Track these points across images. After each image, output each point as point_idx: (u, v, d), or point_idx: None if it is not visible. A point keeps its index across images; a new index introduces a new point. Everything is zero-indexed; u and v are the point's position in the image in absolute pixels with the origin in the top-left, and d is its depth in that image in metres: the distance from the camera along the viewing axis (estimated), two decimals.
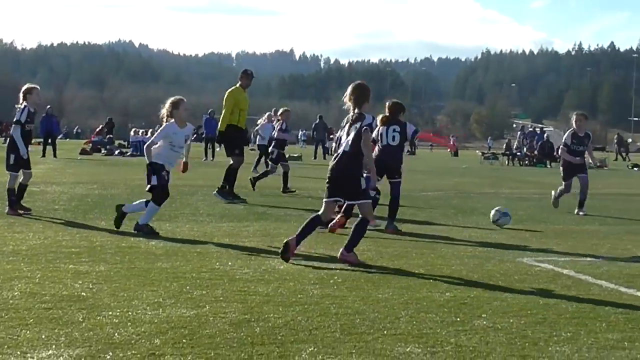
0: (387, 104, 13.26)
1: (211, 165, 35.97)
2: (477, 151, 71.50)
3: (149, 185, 11.73)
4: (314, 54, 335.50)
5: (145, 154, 11.78)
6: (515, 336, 5.98)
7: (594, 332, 6.15)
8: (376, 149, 12.59)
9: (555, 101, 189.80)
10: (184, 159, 12.19)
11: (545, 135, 54.45)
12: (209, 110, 45.71)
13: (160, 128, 12.14)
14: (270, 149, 21.53)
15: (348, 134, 9.49)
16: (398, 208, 12.86)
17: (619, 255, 10.61)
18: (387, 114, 13.06)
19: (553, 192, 17.43)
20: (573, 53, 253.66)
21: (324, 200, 9.57)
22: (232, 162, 17.74)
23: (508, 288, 7.94)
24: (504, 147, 58.68)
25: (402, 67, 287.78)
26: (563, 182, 17.12)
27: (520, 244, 11.42)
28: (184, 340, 5.67)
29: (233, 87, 18.12)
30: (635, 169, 49.04)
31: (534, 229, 13.44)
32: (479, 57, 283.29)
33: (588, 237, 12.42)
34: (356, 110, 9.54)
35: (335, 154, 9.61)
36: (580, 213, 16.41)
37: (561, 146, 17.39)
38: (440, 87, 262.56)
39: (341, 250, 9.39)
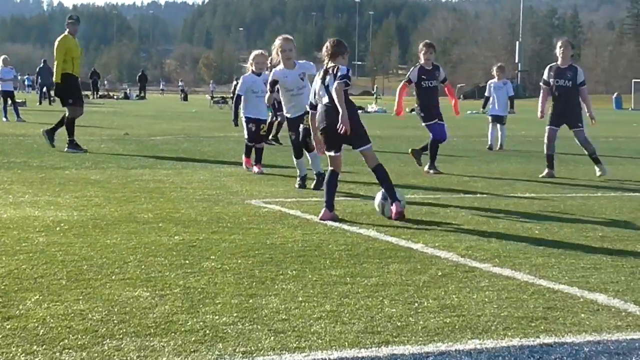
0: None
1: None
2: (207, 95, 71.77)
3: None
4: None
5: None
6: (243, 276, 6.16)
7: (319, 269, 6.45)
8: None
9: None
10: None
11: None
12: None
13: None
14: None
15: (327, 86, 9.18)
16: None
17: (343, 191, 11.09)
18: None
19: None
20: None
21: (332, 154, 9.22)
22: (67, 112, 17.01)
23: (236, 230, 8.13)
24: (231, 91, 59.21)
25: (128, 10, 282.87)
26: None
27: (249, 187, 11.67)
28: None
29: (62, 36, 17.29)
30: (360, 111, 50.96)
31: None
32: (207, 1, 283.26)
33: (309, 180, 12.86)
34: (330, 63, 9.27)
35: (321, 107, 9.26)
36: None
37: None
38: (168, 31, 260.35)
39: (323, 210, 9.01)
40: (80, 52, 17.50)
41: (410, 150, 15.11)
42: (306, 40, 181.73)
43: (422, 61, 14.30)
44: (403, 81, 14.56)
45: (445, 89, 14.77)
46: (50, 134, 17.31)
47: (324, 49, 9.39)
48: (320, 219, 8.84)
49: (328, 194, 9.07)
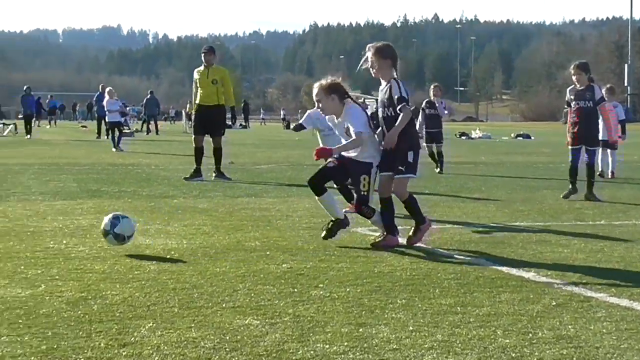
0: None
1: (36, 143, 35.09)
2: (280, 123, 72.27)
3: None
4: (142, 29, 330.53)
5: None
6: (352, 305, 6.14)
7: (428, 298, 6.38)
8: None
9: None
10: None
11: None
12: (25, 87, 44.92)
13: None
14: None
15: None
16: None
17: (451, 220, 11.00)
18: None
19: None
20: (399, 25, 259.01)
21: (384, 174, 9.04)
22: (216, 143, 17.49)
23: (343, 258, 8.11)
24: None
25: (231, 40, 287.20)
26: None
27: (354, 215, 11.63)
28: (20, 321, 5.57)
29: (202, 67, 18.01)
30: (464, 137, 50.75)
31: None
32: (307, 29, 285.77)
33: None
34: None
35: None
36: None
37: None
38: (270, 60, 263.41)
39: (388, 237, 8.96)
40: (214, 80, 17.64)
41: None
42: (408, 67, 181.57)
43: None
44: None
45: (600, 110, 14.20)
46: (220, 173, 17.50)
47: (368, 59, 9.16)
48: (384, 246, 8.77)
49: (387, 220, 9.02)
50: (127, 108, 50.66)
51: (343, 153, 8.94)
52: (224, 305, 6.09)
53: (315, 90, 9.05)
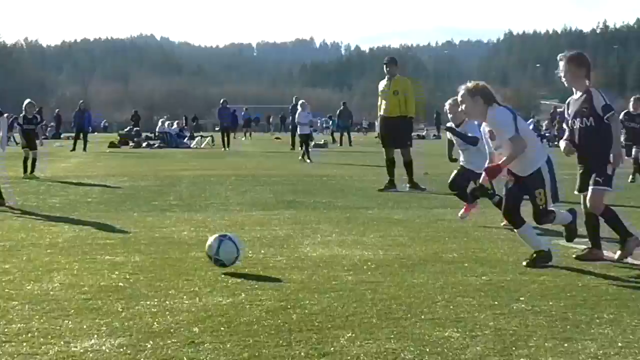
0: None
1: (232, 154, 36.05)
2: None
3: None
4: (334, 41, 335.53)
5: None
6: (555, 319, 5.94)
7: (637, 314, 6.10)
8: None
9: None
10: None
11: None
12: (222, 100, 45.82)
13: None
14: None
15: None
16: None
17: None
18: None
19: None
20: (598, 31, 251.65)
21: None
22: (406, 155, 17.73)
23: (545, 271, 7.88)
24: (530, 128, 58.28)
25: (423, 51, 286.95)
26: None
27: (554, 228, 11.32)
28: (222, 328, 5.68)
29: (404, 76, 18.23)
30: None
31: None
32: (502, 38, 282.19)
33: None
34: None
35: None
36: None
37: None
38: (463, 70, 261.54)
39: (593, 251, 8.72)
40: (396, 91, 17.54)
41: None
42: (608, 75, 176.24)
43: None
44: None
45: None
46: (414, 184, 17.41)
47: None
48: (589, 259, 8.45)
49: (593, 233, 8.72)
50: (316, 119, 51.05)
51: (509, 167, 8.41)
52: (422, 316, 6.02)
53: (459, 92, 8.63)
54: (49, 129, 64.89)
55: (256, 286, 7.14)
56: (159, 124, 52.87)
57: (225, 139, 42.10)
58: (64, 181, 19.59)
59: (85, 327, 5.72)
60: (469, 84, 8.55)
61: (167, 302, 6.49)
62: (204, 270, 7.92)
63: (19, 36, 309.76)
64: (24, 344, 5.29)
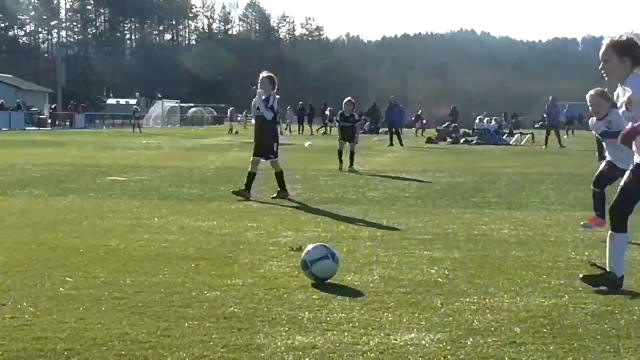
0: None
1: (553, 152, 35.25)
2: None
3: None
4: None
5: None
6: None
7: None
8: None
9: None
10: None
11: None
12: (550, 97, 44.55)
13: None
14: None
15: None
16: None
17: None
18: None
19: None
20: None
21: None
22: None
23: None
24: None
25: None
26: None
27: None
28: (544, 330, 5.51)
29: None
30: None
31: None
32: None
33: None
34: None
35: None
36: None
37: None
38: None
39: None
40: None
41: None
42: None
43: None
44: None
45: None
46: None
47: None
48: None
49: None
50: None
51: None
52: None
53: (602, 48, 6.95)
54: (366, 123, 66.59)
55: (580, 289, 6.87)
56: (477, 120, 52.73)
57: (548, 136, 41.16)
58: (382, 175, 20.00)
59: (404, 320, 5.74)
60: (617, 38, 6.89)
61: (487, 300, 6.39)
62: (524, 269, 7.75)
63: (341, 32, 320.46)
64: (346, 333, 5.40)
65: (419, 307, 6.15)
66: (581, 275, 7.06)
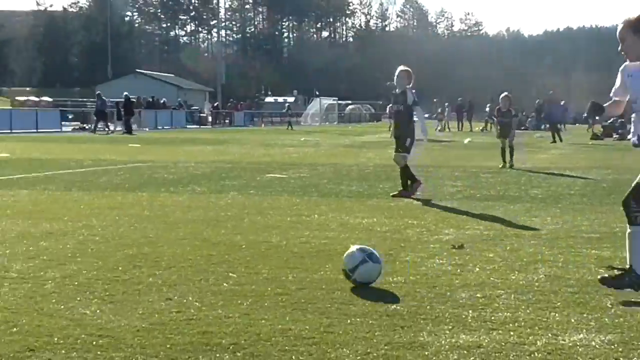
0: None
1: None
2: None
3: None
4: None
5: None
6: None
7: None
8: None
9: None
10: None
11: None
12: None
13: None
14: None
15: None
16: None
17: None
18: None
19: None
20: None
21: None
22: None
23: None
24: None
25: None
26: None
27: None
28: None
29: None
30: None
31: None
32: None
33: None
34: None
35: None
36: None
37: None
38: None
39: None
40: None
41: None
42: None
43: None
44: None
45: None
46: None
47: None
48: None
49: None
50: None
51: None
52: None
53: (619, 27, 6.63)
54: (529, 119, 65.47)
55: None
56: None
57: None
58: (545, 172, 19.57)
59: (572, 320, 5.56)
60: (632, 16, 6.56)
61: None
62: None
63: (500, 27, 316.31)
64: (511, 333, 5.26)
65: (588, 307, 5.94)
66: (599, 277, 6.60)
